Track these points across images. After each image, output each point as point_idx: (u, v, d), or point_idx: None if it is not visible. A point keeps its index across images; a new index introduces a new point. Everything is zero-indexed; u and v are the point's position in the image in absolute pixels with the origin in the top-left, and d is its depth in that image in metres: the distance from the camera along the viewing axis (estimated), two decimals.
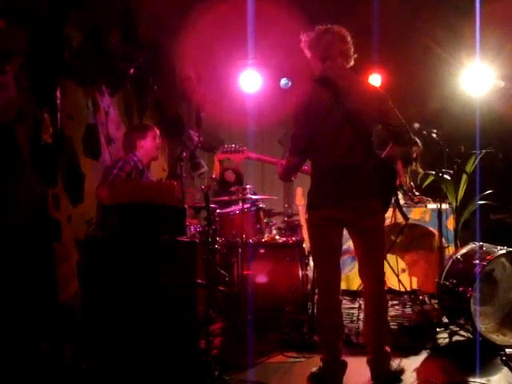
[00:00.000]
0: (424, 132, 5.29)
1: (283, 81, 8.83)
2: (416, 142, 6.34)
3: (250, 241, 4.99)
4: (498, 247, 4.48)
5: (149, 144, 4.89)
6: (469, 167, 5.89)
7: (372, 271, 3.73)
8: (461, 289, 4.28)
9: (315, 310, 4.07)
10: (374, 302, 3.74)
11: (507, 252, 4.33)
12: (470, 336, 4.47)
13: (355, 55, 3.78)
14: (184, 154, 5.63)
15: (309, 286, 5.03)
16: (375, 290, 3.73)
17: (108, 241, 3.50)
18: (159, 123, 7.03)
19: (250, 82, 8.34)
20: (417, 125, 5.27)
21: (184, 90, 7.59)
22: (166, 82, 7.13)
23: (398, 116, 3.68)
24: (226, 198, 5.43)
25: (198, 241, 3.68)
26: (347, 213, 3.60)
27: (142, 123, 5.86)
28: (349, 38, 3.76)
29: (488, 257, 4.29)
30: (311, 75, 3.87)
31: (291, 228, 6.60)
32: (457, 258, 4.61)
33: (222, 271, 4.87)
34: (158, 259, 3.36)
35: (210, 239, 3.90)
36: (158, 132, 5.00)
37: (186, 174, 6.31)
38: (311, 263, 5.41)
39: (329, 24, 3.82)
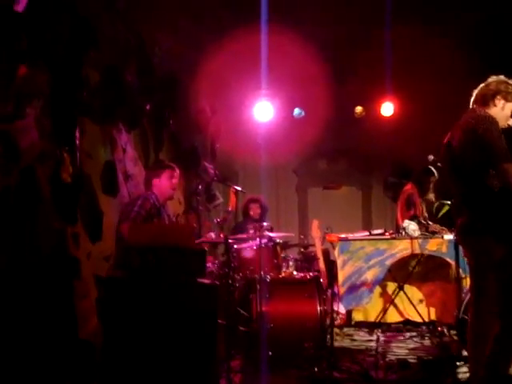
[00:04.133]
0: (438, 164, 5.31)
1: (296, 111, 8.94)
2: (432, 172, 6.37)
3: (268, 277, 5.01)
4: None
5: (163, 183, 4.92)
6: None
7: None
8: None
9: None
10: None
11: None
12: None
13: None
14: (200, 187, 5.70)
15: (327, 321, 5.05)
16: None
17: (129, 281, 3.55)
18: (175, 157, 7.11)
19: (264, 112, 8.44)
20: (431, 157, 5.31)
21: (199, 123, 7.68)
22: (181, 115, 7.21)
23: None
24: (243, 235, 5.45)
25: (218, 283, 3.71)
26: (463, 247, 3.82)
27: (162, 162, 5.89)
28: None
29: None
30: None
31: (307, 259, 6.60)
32: None
33: (242, 311, 4.89)
34: (179, 301, 3.39)
35: (230, 281, 3.91)
36: (176, 172, 5.02)
37: (201, 206, 6.39)
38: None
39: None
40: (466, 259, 3.99)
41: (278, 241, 5.48)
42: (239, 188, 6.19)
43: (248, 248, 5.34)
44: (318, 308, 4.89)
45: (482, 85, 3.89)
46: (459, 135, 3.69)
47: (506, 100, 3.79)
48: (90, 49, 5.06)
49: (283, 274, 5.28)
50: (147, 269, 3.44)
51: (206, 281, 3.59)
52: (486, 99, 3.80)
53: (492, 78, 3.87)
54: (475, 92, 3.90)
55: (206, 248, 3.67)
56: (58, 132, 4.61)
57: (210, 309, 3.45)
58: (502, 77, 3.87)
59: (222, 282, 4.32)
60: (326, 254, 6.35)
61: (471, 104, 3.90)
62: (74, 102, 4.83)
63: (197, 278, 3.50)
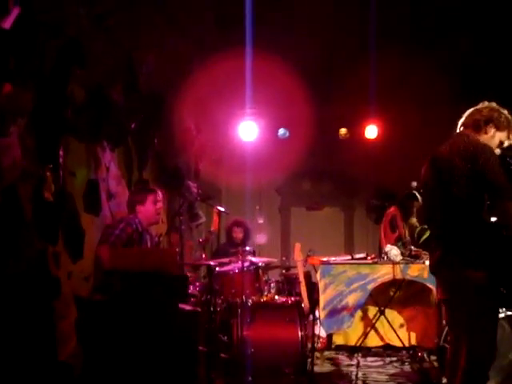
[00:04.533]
0: (421, 190, 5.33)
1: (281, 131, 8.96)
2: (416, 197, 6.39)
3: (250, 301, 4.98)
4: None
5: (148, 209, 4.85)
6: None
7: None
8: None
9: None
10: None
11: (506, 316, 4.35)
12: None
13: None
14: (183, 207, 5.68)
15: (308, 345, 5.04)
16: None
17: (110, 305, 3.51)
18: (159, 176, 7.09)
19: (249, 132, 8.45)
20: (414, 183, 5.34)
21: (183, 142, 7.67)
22: (166, 134, 7.20)
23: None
24: (225, 259, 5.43)
25: (199, 310, 3.68)
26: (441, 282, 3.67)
27: (144, 186, 5.85)
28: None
29: None
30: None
31: (289, 281, 6.59)
32: None
33: (223, 337, 4.85)
34: (160, 327, 3.36)
35: (211, 308, 3.89)
36: (159, 195, 4.97)
37: (184, 226, 6.36)
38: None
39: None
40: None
41: (260, 264, 5.46)
42: (222, 209, 6.18)
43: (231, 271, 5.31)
44: (299, 333, 4.87)
45: (473, 109, 3.78)
46: (454, 161, 3.51)
47: (498, 129, 3.70)
48: (77, 67, 5.04)
49: (265, 298, 5.25)
50: (128, 293, 3.40)
51: (188, 307, 3.57)
52: (479, 125, 3.70)
53: (485, 104, 3.79)
54: (466, 115, 3.78)
55: (187, 273, 3.62)
56: (41, 150, 4.57)
57: (190, 335, 3.43)
58: (494, 104, 3.83)
59: (204, 309, 4.28)
60: (308, 276, 6.35)
61: (460, 126, 3.77)
62: (58, 120, 4.81)
63: (178, 303, 3.47)
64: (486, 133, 3.70)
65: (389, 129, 8.88)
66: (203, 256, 5.69)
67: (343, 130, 9.05)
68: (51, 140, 4.71)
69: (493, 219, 3.47)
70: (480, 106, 3.80)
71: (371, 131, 8.88)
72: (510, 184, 3.49)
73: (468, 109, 3.88)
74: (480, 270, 3.40)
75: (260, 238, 5.63)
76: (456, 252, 3.48)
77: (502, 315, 4.36)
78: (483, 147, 3.55)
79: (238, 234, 7.18)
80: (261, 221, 5.95)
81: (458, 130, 3.78)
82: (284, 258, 7.30)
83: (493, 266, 3.42)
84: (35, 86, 4.53)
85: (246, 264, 5.17)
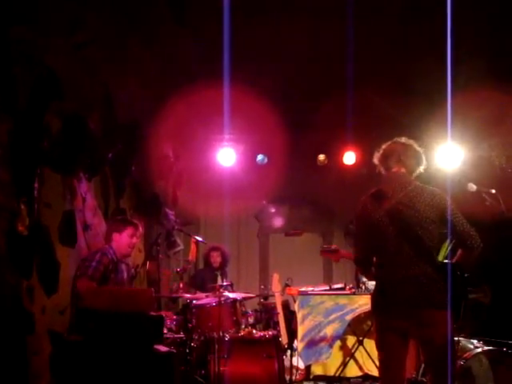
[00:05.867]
0: None
1: (259, 157, 8.96)
2: None
3: (227, 336, 4.94)
4: (475, 342, 4.51)
5: (123, 240, 4.86)
6: (441, 254, 5.95)
7: None
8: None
9: None
10: None
11: (483, 351, 4.36)
12: None
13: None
14: (160, 237, 5.64)
15: (287, 377, 5.00)
16: None
17: (84, 345, 3.46)
18: (136, 204, 7.04)
19: (227, 157, 8.45)
20: None
21: (161, 169, 7.63)
22: (144, 161, 7.17)
23: (462, 222, 3.65)
24: (202, 295, 5.40)
25: (175, 351, 3.64)
26: (408, 322, 3.58)
27: (126, 217, 5.79)
28: (417, 150, 3.85)
29: (465, 355, 4.31)
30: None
31: (267, 310, 6.58)
32: None
33: (200, 379, 4.80)
34: (134, 368, 3.31)
35: (187, 349, 3.84)
36: (139, 231, 4.95)
37: (162, 254, 6.32)
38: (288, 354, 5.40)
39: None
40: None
41: (237, 298, 5.43)
42: (200, 239, 6.15)
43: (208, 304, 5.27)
44: (277, 367, 4.84)
45: (402, 146, 3.84)
46: (423, 209, 3.60)
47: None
48: (54, 98, 5.00)
49: (242, 333, 5.21)
50: (103, 334, 3.35)
51: (163, 348, 3.52)
52: (415, 169, 3.85)
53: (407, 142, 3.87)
54: (402, 154, 3.80)
55: (163, 314, 3.58)
56: (16, 183, 4.52)
57: (166, 377, 3.38)
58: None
59: (179, 349, 4.23)
60: (286, 305, 6.33)
61: (400, 167, 3.79)
62: (34, 151, 4.75)
63: (153, 344, 3.42)
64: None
65: (366, 155, 8.92)
66: (181, 286, 5.65)
67: (321, 156, 9.08)
68: (27, 172, 4.66)
69: None
70: (405, 143, 3.87)
71: (349, 157, 8.92)
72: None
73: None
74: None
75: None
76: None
77: (479, 350, 4.37)
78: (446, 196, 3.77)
79: (216, 258, 7.20)
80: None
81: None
82: (262, 287, 7.28)
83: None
84: (11, 117, 4.48)
85: (223, 298, 5.14)
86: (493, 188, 4.44)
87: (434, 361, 3.62)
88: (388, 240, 3.60)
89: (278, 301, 5.71)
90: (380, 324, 3.72)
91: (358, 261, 3.81)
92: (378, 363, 6.23)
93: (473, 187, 4.30)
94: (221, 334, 4.85)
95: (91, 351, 3.40)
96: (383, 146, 3.94)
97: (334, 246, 4.86)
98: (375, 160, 3.99)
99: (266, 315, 6.49)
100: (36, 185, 4.75)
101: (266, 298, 6.95)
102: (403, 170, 3.79)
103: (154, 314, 3.50)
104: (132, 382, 3.31)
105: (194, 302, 5.13)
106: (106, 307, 3.41)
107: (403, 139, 3.91)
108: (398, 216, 3.59)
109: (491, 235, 5.28)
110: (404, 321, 3.57)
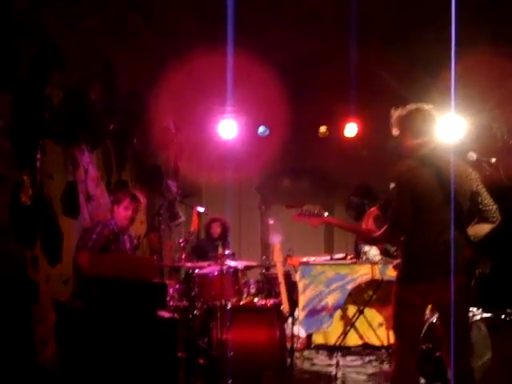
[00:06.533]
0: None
1: (261, 129, 8.95)
2: None
3: (229, 304, 4.99)
4: (474, 310, 4.56)
5: (121, 212, 4.85)
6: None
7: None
8: (437, 354, 4.33)
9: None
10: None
11: (482, 318, 4.41)
12: None
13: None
14: (162, 208, 5.68)
15: (288, 345, 5.06)
16: None
17: (88, 313, 3.51)
18: (138, 176, 7.07)
19: (228, 129, 8.44)
20: (392, 185, 5.35)
21: (162, 141, 7.64)
22: (145, 133, 7.17)
23: (488, 196, 3.75)
24: (204, 263, 5.44)
25: (177, 317, 3.69)
26: (438, 288, 3.61)
27: (127, 188, 5.79)
28: (436, 118, 3.81)
29: None
30: (402, 152, 3.89)
31: (269, 281, 6.62)
32: (432, 321, 4.66)
33: (202, 344, 4.86)
34: (138, 334, 3.37)
35: (190, 315, 3.89)
36: (135, 204, 4.91)
37: (163, 225, 6.36)
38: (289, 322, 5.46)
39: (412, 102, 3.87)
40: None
41: (239, 266, 5.47)
42: (202, 209, 6.18)
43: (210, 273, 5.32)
44: (278, 336, 4.90)
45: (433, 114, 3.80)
46: (462, 181, 3.70)
47: None
48: (55, 69, 5.00)
49: (244, 301, 5.26)
50: (107, 301, 3.40)
51: (166, 314, 3.57)
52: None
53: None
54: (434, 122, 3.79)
55: (166, 281, 3.62)
56: (18, 154, 4.54)
57: (169, 342, 3.44)
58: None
59: (182, 316, 4.29)
60: (288, 275, 6.38)
61: (433, 136, 3.78)
62: (35, 123, 4.77)
63: (157, 311, 3.47)
64: None
65: (368, 126, 8.91)
66: (183, 257, 5.69)
67: (323, 128, 9.06)
68: (29, 143, 4.68)
69: None
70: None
71: (350, 129, 8.91)
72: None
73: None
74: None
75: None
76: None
77: (478, 317, 4.42)
78: None
79: (216, 229, 7.23)
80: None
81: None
82: (264, 257, 7.31)
83: None
84: (12, 89, 4.49)
85: (225, 267, 5.18)
86: (493, 158, 4.45)
87: (453, 330, 3.67)
88: (432, 206, 3.62)
89: (279, 271, 5.75)
90: (408, 290, 3.65)
91: (398, 225, 3.66)
92: (378, 332, 6.43)
93: (473, 156, 4.29)
94: (223, 302, 4.90)
95: (95, 318, 3.46)
96: (410, 113, 3.83)
97: (317, 210, 4.27)
98: (397, 126, 3.87)
99: (267, 285, 6.53)
100: (38, 156, 4.77)
101: (267, 269, 6.99)
102: (435, 139, 3.80)
103: (156, 281, 3.54)
104: (135, 347, 3.37)
105: (197, 271, 5.18)
106: (108, 275, 3.45)
107: (429, 107, 3.83)
108: (443, 184, 3.62)
109: None
110: (433, 286, 3.60)
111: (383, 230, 3.81)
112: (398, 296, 3.72)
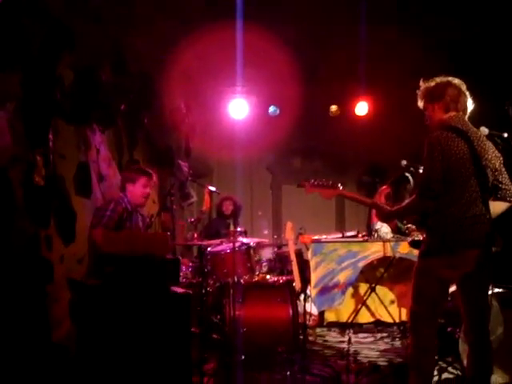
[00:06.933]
0: (411, 168, 5.36)
1: (271, 108, 8.95)
2: (408, 180, 6.42)
3: (241, 281, 5.03)
4: None
5: (136, 190, 4.84)
6: None
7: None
8: (449, 329, 4.35)
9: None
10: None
11: (493, 293, 4.41)
12: (459, 373, 4.53)
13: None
14: (174, 187, 5.70)
15: (300, 321, 5.09)
16: None
17: (103, 289, 3.56)
18: (149, 156, 7.10)
19: (239, 109, 8.45)
20: (404, 162, 5.35)
21: (173, 121, 7.65)
22: (156, 113, 7.19)
23: (507, 175, 3.73)
24: (216, 241, 5.47)
25: (191, 292, 3.73)
26: (468, 262, 3.60)
27: (139, 166, 5.82)
28: (467, 92, 3.77)
29: None
30: (429, 124, 3.84)
31: (281, 259, 6.67)
32: None
33: (215, 319, 4.91)
34: (152, 310, 3.41)
35: (203, 290, 3.93)
36: (152, 180, 4.94)
37: (176, 205, 6.40)
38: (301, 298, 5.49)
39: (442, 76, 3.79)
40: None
41: (251, 244, 5.50)
42: (213, 189, 6.21)
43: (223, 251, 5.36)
44: (291, 312, 4.93)
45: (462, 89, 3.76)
46: (490, 156, 3.68)
47: None
48: (65, 50, 5.02)
49: (256, 278, 5.30)
50: (121, 277, 3.44)
51: (180, 290, 3.61)
52: None
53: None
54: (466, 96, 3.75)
55: (179, 257, 3.67)
56: (30, 134, 4.57)
57: (183, 317, 3.48)
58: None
59: (196, 291, 4.33)
60: (300, 254, 6.40)
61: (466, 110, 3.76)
62: (47, 103, 4.79)
63: (170, 286, 3.52)
64: None
65: (379, 105, 8.89)
66: (195, 236, 5.74)
67: (334, 107, 9.05)
68: (41, 124, 4.70)
69: None
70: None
71: (361, 108, 8.90)
72: None
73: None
74: None
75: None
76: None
77: (489, 292, 4.43)
78: None
79: (228, 206, 7.28)
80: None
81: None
82: (275, 237, 7.35)
83: None
84: (23, 69, 4.51)
85: (238, 244, 5.21)
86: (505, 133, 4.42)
87: (477, 305, 3.68)
88: (463, 178, 3.60)
89: (291, 249, 5.76)
90: (436, 262, 3.62)
91: (428, 192, 3.60)
92: (389, 309, 6.45)
93: (485, 131, 4.27)
94: (235, 279, 4.93)
95: (109, 294, 3.49)
96: (441, 86, 3.75)
97: (331, 181, 4.21)
98: (425, 98, 3.81)
99: (279, 264, 6.58)
100: (50, 136, 4.80)
101: (279, 247, 7.03)
102: (464, 114, 3.76)
103: (170, 257, 3.58)
104: (150, 322, 3.42)
105: (209, 249, 5.22)
106: (122, 252, 3.49)
107: (459, 81, 3.77)
108: (474, 157, 3.60)
109: None
110: (463, 259, 3.58)
111: (410, 199, 3.77)
112: (423, 269, 3.68)
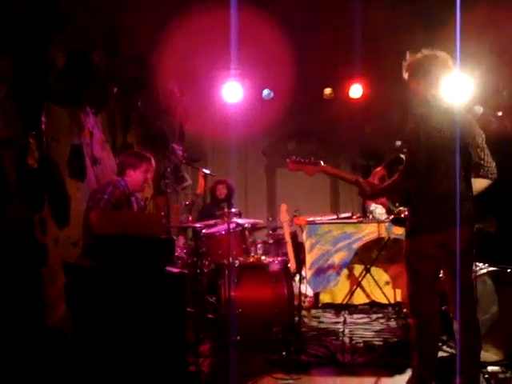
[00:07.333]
0: (404, 150, 5.35)
1: (265, 92, 8.91)
2: (402, 161, 6.40)
3: (237, 262, 5.03)
4: (480, 265, 4.58)
5: (138, 176, 4.81)
6: None
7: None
8: (443, 308, 4.36)
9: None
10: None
11: (488, 271, 4.43)
12: (454, 352, 4.56)
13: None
14: (168, 171, 5.69)
15: (295, 302, 5.11)
16: None
17: (98, 270, 3.56)
18: (143, 139, 7.07)
19: (233, 93, 8.41)
20: (398, 143, 5.36)
21: (167, 105, 7.62)
22: (150, 97, 7.15)
23: (489, 153, 3.73)
24: (211, 222, 5.47)
25: (186, 272, 3.73)
26: (452, 238, 3.60)
27: (139, 152, 5.78)
28: (453, 67, 3.72)
29: None
30: (411, 99, 3.85)
31: (276, 242, 6.68)
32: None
33: (210, 299, 4.92)
34: (147, 290, 3.42)
35: (198, 270, 3.93)
36: (152, 165, 4.92)
37: (170, 189, 6.39)
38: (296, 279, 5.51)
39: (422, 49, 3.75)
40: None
41: (246, 225, 5.50)
42: (208, 171, 6.20)
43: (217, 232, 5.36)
44: (286, 293, 4.95)
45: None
46: (466, 130, 3.68)
47: None
48: (57, 31, 4.97)
49: (252, 259, 5.31)
50: (116, 258, 3.44)
51: (175, 269, 3.62)
52: None
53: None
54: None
55: (174, 236, 3.67)
56: (23, 117, 4.54)
57: (178, 297, 3.48)
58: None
59: (191, 271, 4.33)
60: (294, 236, 6.41)
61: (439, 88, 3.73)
62: (39, 85, 4.76)
63: (165, 266, 3.52)
64: None
65: (373, 88, 8.85)
66: (190, 219, 5.74)
67: (328, 90, 9.00)
68: (33, 106, 4.67)
69: None
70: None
71: (356, 90, 8.86)
72: None
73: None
74: None
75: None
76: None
77: (484, 270, 4.45)
78: None
79: (222, 190, 7.27)
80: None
81: None
82: (270, 219, 7.36)
83: None
84: (14, 51, 4.47)
85: (232, 225, 5.21)
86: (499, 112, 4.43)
87: (460, 282, 3.70)
88: (444, 156, 3.61)
89: (286, 230, 5.78)
90: (423, 241, 3.65)
91: (411, 170, 3.62)
92: (384, 290, 6.47)
93: (480, 109, 4.28)
94: (231, 260, 4.93)
95: (104, 275, 3.49)
96: (425, 60, 3.72)
97: (313, 158, 4.28)
98: (410, 71, 3.78)
99: (274, 246, 6.60)
100: (43, 118, 4.77)
101: (274, 230, 7.04)
102: (450, 89, 3.76)
103: (164, 237, 3.58)
104: (145, 301, 3.42)
105: (204, 230, 5.22)
106: (117, 232, 3.48)
107: (445, 55, 3.72)
108: (460, 135, 3.60)
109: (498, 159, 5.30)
110: (448, 236, 3.59)
111: (394, 178, 3.80)
112: (413, 249, 3.71)
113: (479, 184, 3.77)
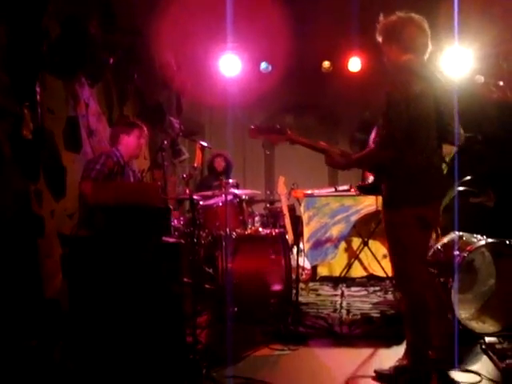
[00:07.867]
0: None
1: (263, 65, 8.83)
2: None
3: (234, 234, 5.01)
4: (478, 237, 4.56)
5: (132, 141, 4.84)
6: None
7: None
8: (442, 279, 4.35)
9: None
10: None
11: (486, 243, 4.41)
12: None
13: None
14: (165, 143, 5.66)
15: (293, 276, 5.09)
16: None
17: (94, 240, 3.54)
18: (140, 112, 7.01)
19: (230, 66, 8.34)
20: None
21: (164, 77, 7.54)
22: (146, 69, 7.07)
23: (457, 119, 3.59)
24: (208, 193, 5.44)
25: (183, 242, 3.71)
26: (436, 212, 3.56)
27: (131, 120, 5.75)
28: (428, 31, 3.54)
29: (468, 247, 4.36)
30: (384, 64, 3.73)
31: (273, 215, 6.66)
32: (437, 247, 4.68)
33: (208, 269, 4.90)
34: (144, 260, 3.39)
35: (195, 239, 3.91)
36: (145, 132, 4.93)
37: (167, 162, 6.35)
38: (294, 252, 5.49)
39: (404, 11, 3.56)
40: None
41: (243, 197, 5.47)
42: (205, 144, 6.15)
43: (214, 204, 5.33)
44: (284, 264, 4.93)
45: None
46: (447, 100, 3.59)
47: None
48: (51, 1, 4.89)
49: (249, 231, 5.28)
50: (112, 228, 3.41)
51: (171, 239, 3.59)
52: None
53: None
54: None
55: (170, 206, 3.64)
56: (17, 87, 4.48)
57: (175, 266, 3.46)
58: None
59: (188, 241, 4.31)
60: (292, 209, 6.39)
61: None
62: (33, 55, 4.69)
63: (162, 236, 3.49)
64: None
65: (372, 61, 8.77)
66: (187, 191, 5.70)
67: (326, 63, 8.93)
68: (27, 76, 4.61)
69: None
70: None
71: (354, 64, 8.78)
72: None
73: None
74: None
75: None
76: None
77: (482, 242, 4.43)
78: None
79: (220, 163, 7.24)
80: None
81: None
82: (268, 192, 7.33)
83: None
84: (6, 19, 4.40)
85: (230, 197, 5.18)
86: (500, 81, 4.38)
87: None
88: (428, 127, 3.47)
89: (283, 203, 5.76)
90: (413, 214, 3.47)
91: (390, 140, 3.38)
92: (382, 264, 6.46)
93: (480, 79, 4.22)
94: (228, 231, 4.91)
95: (100, 245, 3.47)
96: (400, 23, 3.53)
97: (278, 125, 4.07)
98: (383, 34, 3.64)
99: (272, 219, 6.58)
100: (38, 89, 4.71)
101: (272, 203, 7.02)
102: (423, 55, 3.56)
103: (161, 206, 3.54)
104: (141, 271, 3.40)
105: (201, 202, 5.19)
106: (113, 202, 3.45)
107: (420, 18, 3.52)
108: (437, 104, 3.47)
109: (498, 129, 5.27)
110: (427, 211, 3.52)
111: (370, 148, 3.62)
112: (399, 221, 3.51)
113: (445, 150, 3.67)
